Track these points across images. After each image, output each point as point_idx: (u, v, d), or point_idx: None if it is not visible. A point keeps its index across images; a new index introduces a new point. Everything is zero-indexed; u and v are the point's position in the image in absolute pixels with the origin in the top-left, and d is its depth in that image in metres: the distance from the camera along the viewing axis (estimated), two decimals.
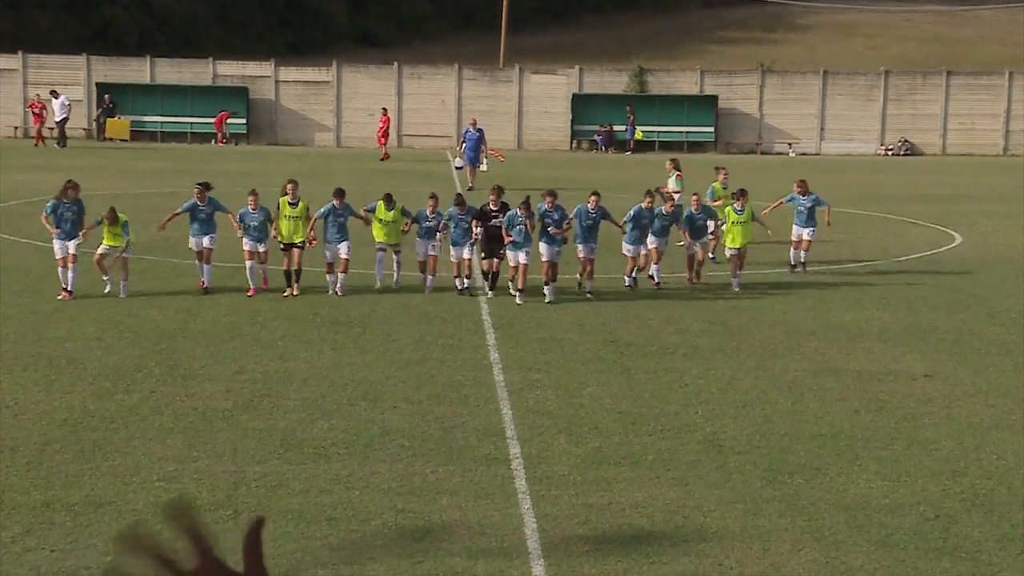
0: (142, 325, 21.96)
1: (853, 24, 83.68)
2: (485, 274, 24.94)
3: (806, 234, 28.20)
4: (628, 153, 61.44)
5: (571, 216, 24.75)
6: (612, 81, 65.35)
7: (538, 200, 24.71)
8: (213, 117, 60.82)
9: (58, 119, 55.58)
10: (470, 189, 41.21)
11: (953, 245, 33.67)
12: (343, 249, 24.41)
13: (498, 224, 24.04)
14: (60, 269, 23.87)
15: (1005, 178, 51.93)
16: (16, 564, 12.26)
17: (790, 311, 24.29)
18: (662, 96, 64.29)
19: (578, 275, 25.43)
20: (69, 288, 23.68)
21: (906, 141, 63.29)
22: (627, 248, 25.68)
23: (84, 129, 61.74)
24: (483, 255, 24.73)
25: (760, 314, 23.94)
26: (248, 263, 24.30)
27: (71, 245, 23.64)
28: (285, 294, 24.16)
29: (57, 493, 14.17)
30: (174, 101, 61.74)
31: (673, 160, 35.91)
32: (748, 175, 51.88)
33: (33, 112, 57.17)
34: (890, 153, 62.90)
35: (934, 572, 12.40)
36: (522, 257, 23.72)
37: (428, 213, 24.94)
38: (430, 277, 24.87)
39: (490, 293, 24.46)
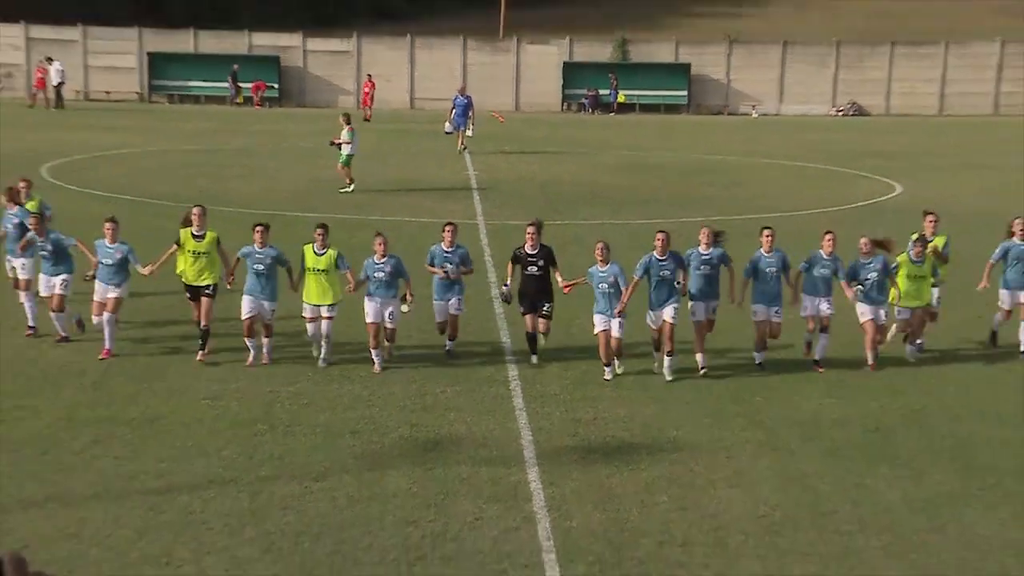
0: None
1: (807, 1, 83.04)
2: (530, 336, 16.45)
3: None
4: (612, 114, 61.23)
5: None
6: (598, 51, 64.99)
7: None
8: (250, 83, 60.60)
9: (55, 83, 55.10)
10: (460, 151, 40.32)
11: (894, 194, 33.66)
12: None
13: (537, 273, 16.29)
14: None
15: (941, 136, 51.80)
16: (86, 470, 12.45)
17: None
18: (642, 64, 63.98)
19: None
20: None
21: (855, 103, 63.09)
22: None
23: (136, 94, 61.34)
24: (522, 311, 16.56)
25: None
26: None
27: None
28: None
29: (118, 409, 14.36)
30: (214, 68, 61.48)
31: (346, 114, 33.04)
32: (717, 132, 52.02)
33: (39, 78, 55.91)
34: (841, 114, 62.68)
35: (874, 476, 12.55)
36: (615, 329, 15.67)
37: (445, 248, 16.54)
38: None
39: (534, 359, 16.36)
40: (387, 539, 10.83)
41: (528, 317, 16.33)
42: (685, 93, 62.92)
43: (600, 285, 15.61)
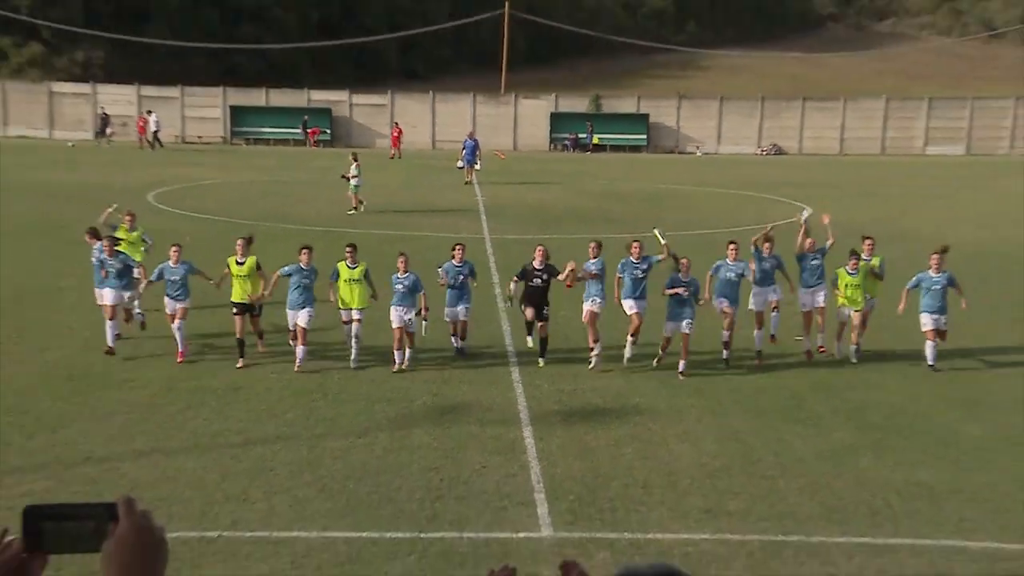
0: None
1: (740, 66, 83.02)
2: (529, 325, 15.75)
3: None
4: (588, 153, 61.10)
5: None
6: (577, 104, 64.78)
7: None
8: (306, 130, 60.47)
9: (154, 130, 54.92)
10: (467, 183, 40.11)
11: (805, 217, 33.51)
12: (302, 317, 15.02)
13: (540, 285, 15.56)
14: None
15: (840, 171, 51.65)
16: (182, 428, 12.42)
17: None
18: (611, 114, 63.73)
19: None
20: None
21: (775, 145, 62.90)
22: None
23: (221, 138, 61.28)
24: (523, 307, 15.78)
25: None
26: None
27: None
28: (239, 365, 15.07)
29: (206, 382, 14.31)
30: (282, 117, 61.30)
31: (354, 153, 31.97)
32: (670, 167, 52.06)
33: (140, 126, 55.70)
34: (764, 153, 62.50)
35: (791, 433, 12.54)
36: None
37: (456, 263, 15.86)
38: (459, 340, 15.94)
39: (541, 362, 15.40)
40: (414, 482, 10.81)
41: (528, 310, 15.48)
42: (645, 136, 62.82)
43: (592, 271, 15.32)
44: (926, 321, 15.43)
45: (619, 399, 13.89)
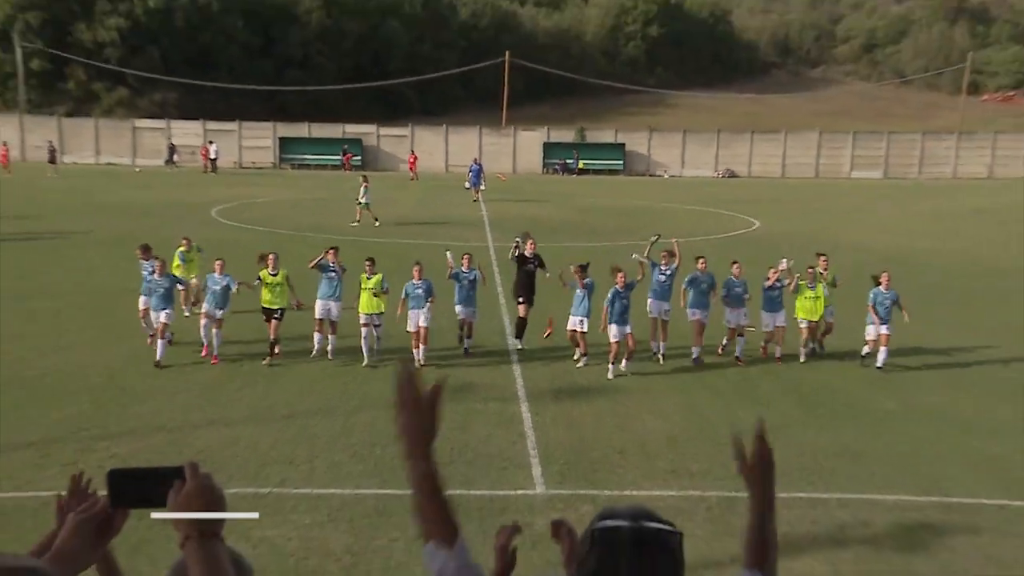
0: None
1: (700, 104, 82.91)
2: (520, 321, 15.32)
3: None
4: (574, 176, 60.97)
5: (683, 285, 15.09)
6: (565, 135, 64.56)
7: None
8: (343, 156, 60.34)
9: (212, 158, 54.65)
10: (474, 201, 39.41)
11: (754, 228, 33.53)
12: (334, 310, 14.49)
13: (531, 270, 15.39)
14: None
15: (783, 191, 51.60)
16: (237, 404, 12.33)
17: None
18: (593, 143, 63.51)
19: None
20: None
21: (729, 169, 62.74)
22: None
23: (271, 163, 61.08)
24: (519, 301, 15.39)
25: None
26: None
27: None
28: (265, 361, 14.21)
29: (256, 366, 14.20)
30: (321, 147, 61.17)
31: (363, 175, 29.68)
32: (642, 188, 52.01)
33: (203, 154, 55.52)
34: (720, 176, 62.44)
35: (744, 409, 12.44)
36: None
37: (464, 268, 14.98)
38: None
39: (519, 343, 15.15)
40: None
41: (521, 307, 15.19)
42: (621, 162, 62.64)
43: (577, 292, 14.25)
44: (873, 331, 14.73)
45: (601, 380, 13.79)
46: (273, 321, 14.22)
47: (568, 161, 62.21)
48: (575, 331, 14.28)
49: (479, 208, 37.91)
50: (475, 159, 45.58)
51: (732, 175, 62.50)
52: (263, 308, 14.43)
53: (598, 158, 62.66)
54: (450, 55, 78.07)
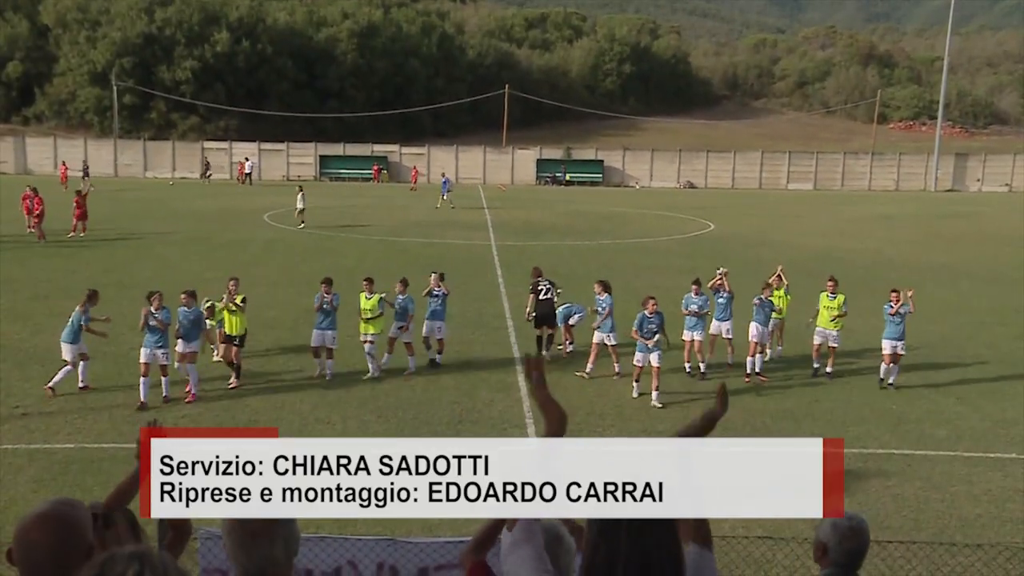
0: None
1: (665, 128, 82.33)
2: (538, 339, 13.09)
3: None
4: (563, 187, 60.54)
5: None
6: (555, 152, 64.11)
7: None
8: (372, 170, 59.81)
9: (247, 172, 53.46)
10: (437, 207, 37.74)
11: (709, 229, 33.26)
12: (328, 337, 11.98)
13: (547, 297, 13.07)
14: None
15: (733, 200, 51.28)
16: (284, 374, 12.11)
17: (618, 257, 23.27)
18: (578, 159, 62.98)
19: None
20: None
21: (689, 182, 62.35)
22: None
23: (312, 176, 60.44)
24: (543, 326, 13.14)
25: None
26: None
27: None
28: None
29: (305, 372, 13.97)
30: (355, 162, 60.69)
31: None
32: (617, 197, 51.62)
33: (240, 169, 54.17)
34: (682, 187, 62.05)
35: (702, 380, 12.25)
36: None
37: (434, 289, 12.75)
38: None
39: (546, 354, 12.79)
40: (443, 412, 10.57)
41: (545, 330, 13.06)
42: (601, 175, 62.19)
43: (601, 308, 12.26)
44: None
45: (583, 357, 13.57)
46: (234, 347, 11.47)
47: (557, 174, 61.80)
48: (606, 344, 12.15)
49: (483, 213, 37.58)
50: (442, 173, 45.08)
51: (691, 186, 62.14)
52: (226, 335, 11.60)
53: (582, 172, 62.26)
54: (460, 88, 77.48)
